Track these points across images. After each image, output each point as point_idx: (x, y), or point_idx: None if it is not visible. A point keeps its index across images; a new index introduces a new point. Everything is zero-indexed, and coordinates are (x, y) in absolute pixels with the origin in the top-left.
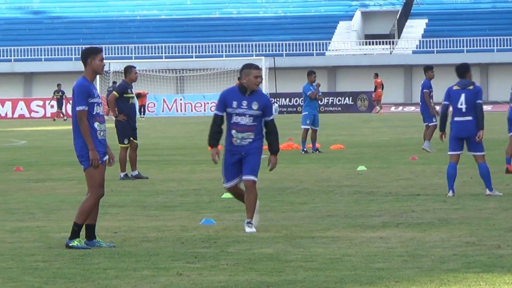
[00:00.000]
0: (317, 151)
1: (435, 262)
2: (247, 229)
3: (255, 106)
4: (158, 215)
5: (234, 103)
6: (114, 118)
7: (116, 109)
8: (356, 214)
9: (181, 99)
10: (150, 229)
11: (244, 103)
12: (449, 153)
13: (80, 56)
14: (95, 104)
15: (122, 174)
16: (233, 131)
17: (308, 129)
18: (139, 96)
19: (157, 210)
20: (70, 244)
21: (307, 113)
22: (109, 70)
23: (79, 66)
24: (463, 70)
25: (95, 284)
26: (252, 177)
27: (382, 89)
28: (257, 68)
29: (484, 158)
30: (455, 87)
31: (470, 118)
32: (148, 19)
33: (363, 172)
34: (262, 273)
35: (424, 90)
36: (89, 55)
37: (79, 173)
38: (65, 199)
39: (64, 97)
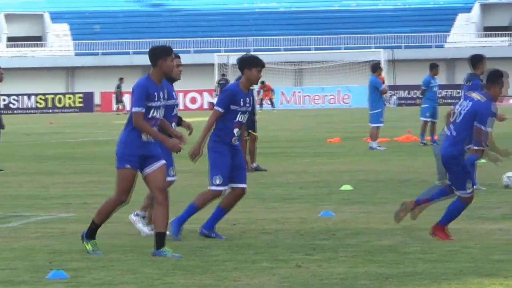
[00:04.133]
0: (436, 144)
1: None
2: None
3: None
4: (277, 207)
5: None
6: None
7: None
8: (475, 206)
9: (299, 92)
10: (269, 221)
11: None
12: None
13: (149, 54)
14: (153, 108)
15: None
16: (236, 130)
17: (427, 121)
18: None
19: (276, 202)
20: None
21: (427, 105)
22: (228, 63)
23: (198, 58)
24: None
25: (214, 276)
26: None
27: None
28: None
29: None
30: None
31: None
32: (267, 12)
33: (482, 164)
34: (381, 265)
35: None
36: (160, 56)
37: (196, 165)
38: (183, 191)
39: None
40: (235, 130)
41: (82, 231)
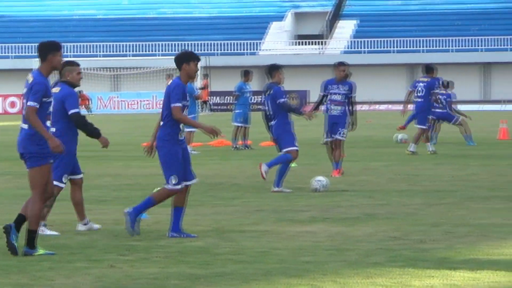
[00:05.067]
0: (248, 148)
1: (361, 256)
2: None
3: None
4: (92, 209)
5: None
6: None
7: None
8: (285, 209)
9: (116, 97)
10: None
11: None
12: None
13: (38, 49)
14: (49, 104)
15: None
16: (181, 124)
17: (239, 126)
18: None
19: (91, 204)
20: (35, 254)
21: (239, 111)
22: None
23: (18, 64)
24: (268, 70)
25: (29, 276)
26: None
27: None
28: (79, 64)
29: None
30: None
31: (274, 121)
32: (85, 19)
33: (293, 168)
34: (193, 266)
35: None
36: (51, 50)
37: (15, 168)
38: (0, 192)
39: None
40: (181, 125)
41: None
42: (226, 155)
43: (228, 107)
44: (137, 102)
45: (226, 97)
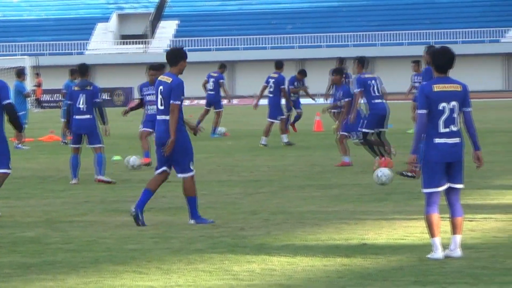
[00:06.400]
0: None
1: (184, 243)
2: None
3: None
4: None
5: None
6: None
7: None
8: (111, 200)
9: None
10: None
11: None
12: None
13: None
14: None
15: None
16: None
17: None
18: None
19: None
20: None
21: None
22: None
23: None
24: (84, 69)
25: None
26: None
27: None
28: None
29: (101, 149)
30: (75, 88)
31: (89, 116)
32: None
33: (118, 161)
34: (24, 255)
35: None
36: None
37: None
38: None
39: None
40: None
41: None
42: (56, 149)
43: (57, 104)
44: None
45: (55, 94)
